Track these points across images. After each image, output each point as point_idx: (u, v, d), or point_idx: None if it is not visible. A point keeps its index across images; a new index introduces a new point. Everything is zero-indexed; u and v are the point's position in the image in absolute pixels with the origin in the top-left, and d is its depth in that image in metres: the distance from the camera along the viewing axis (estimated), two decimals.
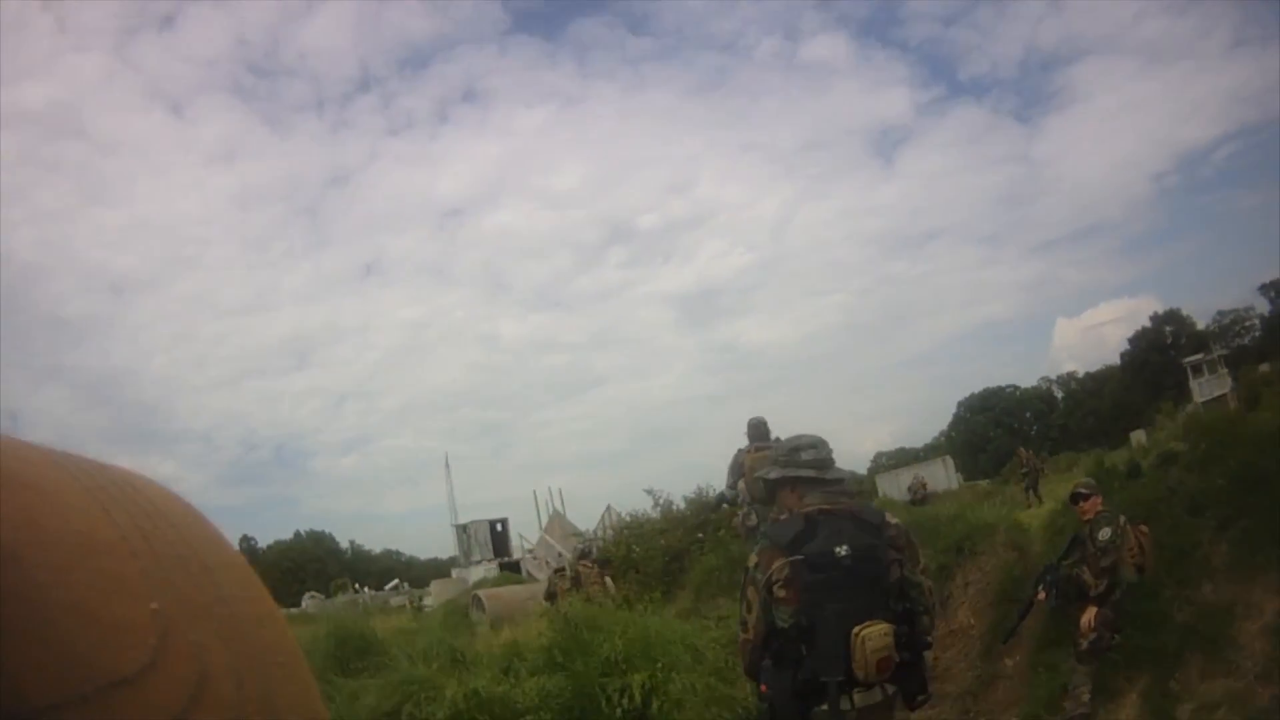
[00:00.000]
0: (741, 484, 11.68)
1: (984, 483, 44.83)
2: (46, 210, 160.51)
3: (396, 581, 68.35)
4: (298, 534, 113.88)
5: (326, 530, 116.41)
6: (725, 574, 15.48)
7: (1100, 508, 9.10)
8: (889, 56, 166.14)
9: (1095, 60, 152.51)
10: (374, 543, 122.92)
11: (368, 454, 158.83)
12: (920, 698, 5.09)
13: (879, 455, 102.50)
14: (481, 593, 27.90)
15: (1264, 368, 52.39)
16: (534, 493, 48.31)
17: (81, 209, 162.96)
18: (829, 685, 4.73)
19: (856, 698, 4.78)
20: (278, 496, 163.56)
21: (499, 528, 53.33)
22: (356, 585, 69.56)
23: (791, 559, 4.80)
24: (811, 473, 5.09)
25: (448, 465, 63.69)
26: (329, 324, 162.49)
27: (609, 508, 21.77)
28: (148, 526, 0.50)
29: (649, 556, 18.94)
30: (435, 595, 46.78)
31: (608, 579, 19.31)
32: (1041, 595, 9.10)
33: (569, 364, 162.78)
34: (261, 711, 0.49)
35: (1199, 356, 63.93)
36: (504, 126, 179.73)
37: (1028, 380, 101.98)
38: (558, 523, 41.98)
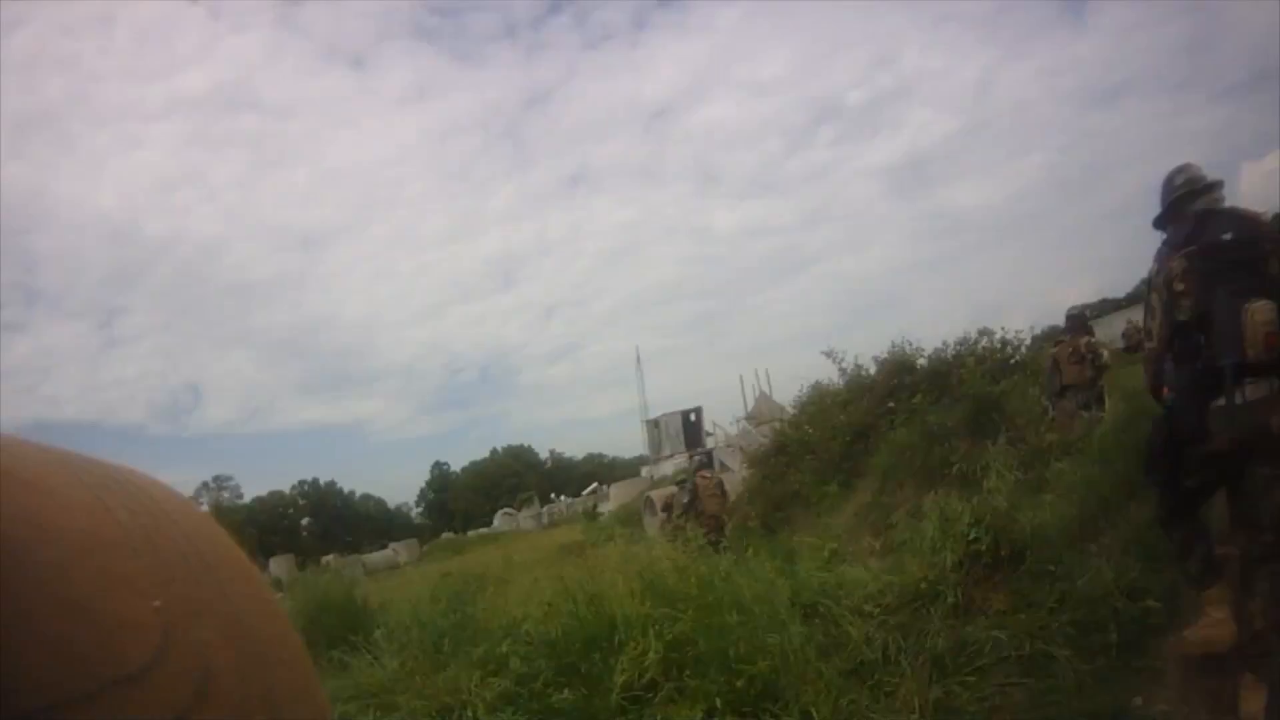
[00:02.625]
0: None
1: None
2: (221, 184, 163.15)
3: (595, 485, 66.13)
4: (494, 451, 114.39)
5: (527, 443, 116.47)
6: (920, 454, 12.52)
7: None
8: None
9: None
10: (578, 449, 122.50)
11: (578, 360, 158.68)
12: None
13: (1072, 308, 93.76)
14: (654, 493, 25.57)
15: None
16: (740, 377, 44.90)
17: (259, 176, 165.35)
18: (1225, 371, 5.01)
19: (1248, 389, 5.01)
20: (484, 416, 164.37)
21: (692, 418, 50.35)
22: (553, 495, 70.08)
23: (1185, 251, 5.26)
24: (1186, 189, 5.63)
25: (638, 360, 62.48)
26: (536, 240, 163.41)
27: (817, 382, 18.85)
28: (150, 524, 0.49)
29: (827, 437, 15.52)
30: (615, 498, 45.75)
31: (729, 491, 17.18)
32: None
33: (782, 247, 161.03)
34: (265, 708, 0.49)
35: None
36: (703, 24, 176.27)
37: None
38: (765, 405, 37.98)
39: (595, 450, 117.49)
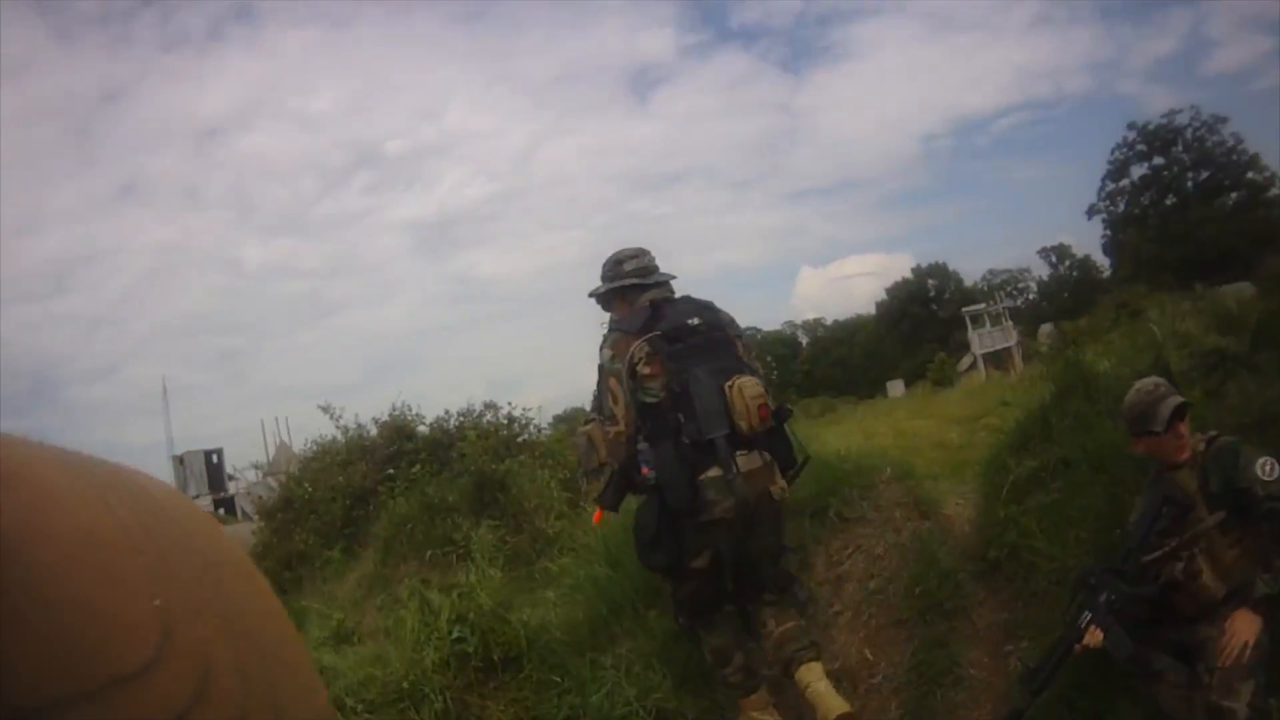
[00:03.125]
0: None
1: None
2: None
3: None
4: None
5: None
6: (422, 528, 11.77)
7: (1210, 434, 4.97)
8: None
9: (877, 21, 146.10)
10: None
11: (118, 382, 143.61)
12: (791, 471, 5.44)
13: None
14: None
15: (1046, 327, 52.07)
16: (261, 422, 43.15)
17: None
18: (717, 444, 5.00)
19: (741, 461, 5.05)
20: (35, 429, 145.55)
21: (214, 459, 48.44)
22: None
23: (648, 336, 5.20)
24: (636, 280, 5.59)
25: (165, 392, 59.19)
26: (88, 247, 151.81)
27: (320, 437, 17.94)
28: (150, 523, 0.50)
29: (328, 498, 14.43)
30: None
31: None
32: (1095, 635, 4.68)
33: (307, 291, 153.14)
34: (265, 708, 0.49)
35: (980, 306, 62.79)
36: (271, 47, 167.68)
37: (771, 325, 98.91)
38: (284, 455, 36.41)
39: None
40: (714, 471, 5.05)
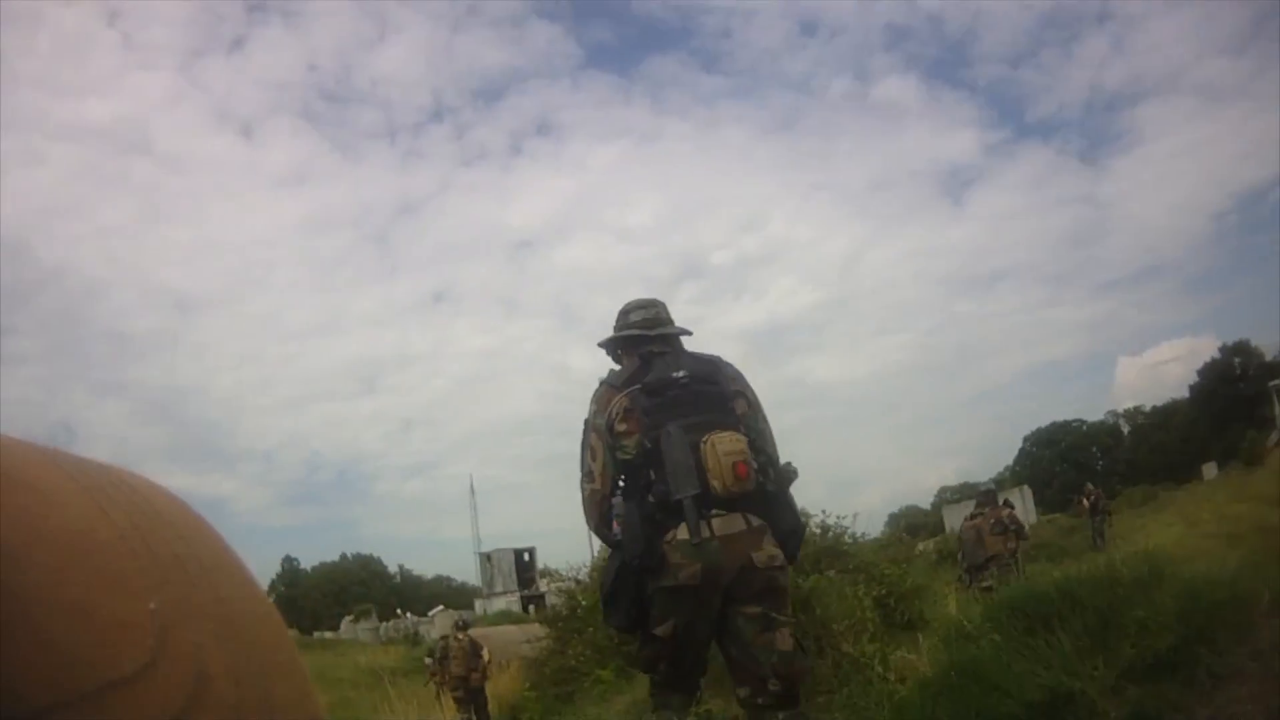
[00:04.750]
0: None
1: (1059, 516, 39.58)
2: (111, 226, 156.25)
3: (440, 608, 64.08)
4: (344, 556, 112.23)
5: (376, 554, 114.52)
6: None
7: None
8: (958, 98, 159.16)
9: (1156, 101, 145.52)
10: (428, 568, 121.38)
11: (432, 479, 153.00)
12: (793, 542, 4.90)
13: (943, 490, 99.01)
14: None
15: None
16: None
17: (147, 226, 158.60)
18: (685, 504, 4.54)
19: (716, 523, 4.61)
20: (337, 519, 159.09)
21: (526, 557, 49.36)
22: (399, 610, 68.61)
23: (629, 390, 4.87)
24: (639, 331, 5.18)
25: (472, 490, 60.98)
26: (397, 350, 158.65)
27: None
28: (146, 526, 0.49)
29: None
30: (439, 625, 44.10)
31: (484, 654, 16.76)
32: None
33: None
34: (260, 711, 0.49)
35: None
36: (578, 161, 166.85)
37: (1093, 416, 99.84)
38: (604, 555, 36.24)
39: (444, 573, 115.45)
40: (682, 533, 4.59)
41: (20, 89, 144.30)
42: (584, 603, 13.68)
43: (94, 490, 0.49)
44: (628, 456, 4.81)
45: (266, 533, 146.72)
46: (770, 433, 5.05)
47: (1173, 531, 25.03)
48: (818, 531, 13.08)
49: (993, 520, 12.66)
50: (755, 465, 4.71)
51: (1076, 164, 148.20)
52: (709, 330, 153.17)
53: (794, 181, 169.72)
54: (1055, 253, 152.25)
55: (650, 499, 4.68)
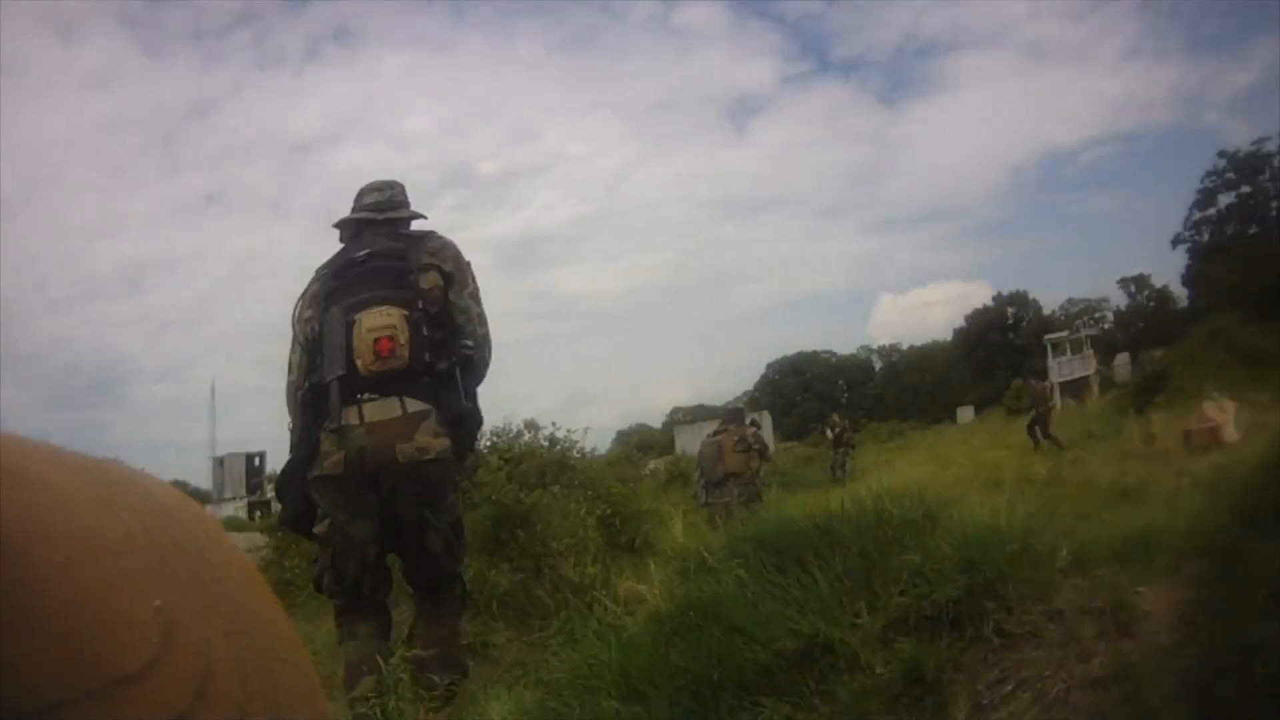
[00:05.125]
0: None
1: (798, 444, 40.27)
2: None
3: None
4: None
5: (119, 459, 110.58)
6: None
7: None
8: (763, 28, 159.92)
9: (975, 53, 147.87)
10: (168, 474, 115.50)
11: (181, 381, 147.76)
12: (462, 430, 4.65)
13: (675, 411, 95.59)
14: None
15: (1122, 356, 52.36)
16: None
17: None
18: (330, 387, 4.34)
19: (368, 409, 4.34)
20: (91, 423, 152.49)
21: (256, 462, 47.06)
22: None
23: (319, 275, 4.70)
24: (369, 214, 4.91)
25: (213, 394, 58.89)
26: (166, 251, 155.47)
27: None
28: (151, 524, 0.50)
29: None
30: None
31: None
32: None
33: None
34: (265, 708, 0.49)
35: (1063, 334, 61.09)
36: (369, 68, 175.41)
37: (845, 350, 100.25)
38: None
39: (182, 478, 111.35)
40: (333, 421, 4.37)
41: None
42: None
43: (101, 488, 0.48)
44: (306, 341, 4.62)
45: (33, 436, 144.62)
46: (477, 310, 4.76)
47: (922, 471, 24.93)
48: (545, 444, 12.55)
49: (736, 437, 12.45)
50: (409, 341, 4.38)
51: (874, 103, 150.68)
52: (461, 239, 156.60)
53: (576, 98, 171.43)
54: (834, 187, 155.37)
55: (309, 384, 4.48)
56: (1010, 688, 4.32)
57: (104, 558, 0.45)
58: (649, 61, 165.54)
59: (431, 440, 4.41)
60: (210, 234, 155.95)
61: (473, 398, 4.70)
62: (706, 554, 5.49)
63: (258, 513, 38.08)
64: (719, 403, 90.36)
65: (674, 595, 5.25)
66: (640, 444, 55.71)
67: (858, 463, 30.78)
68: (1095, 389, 45.87)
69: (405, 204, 5.05)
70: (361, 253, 4.67)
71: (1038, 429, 26.91)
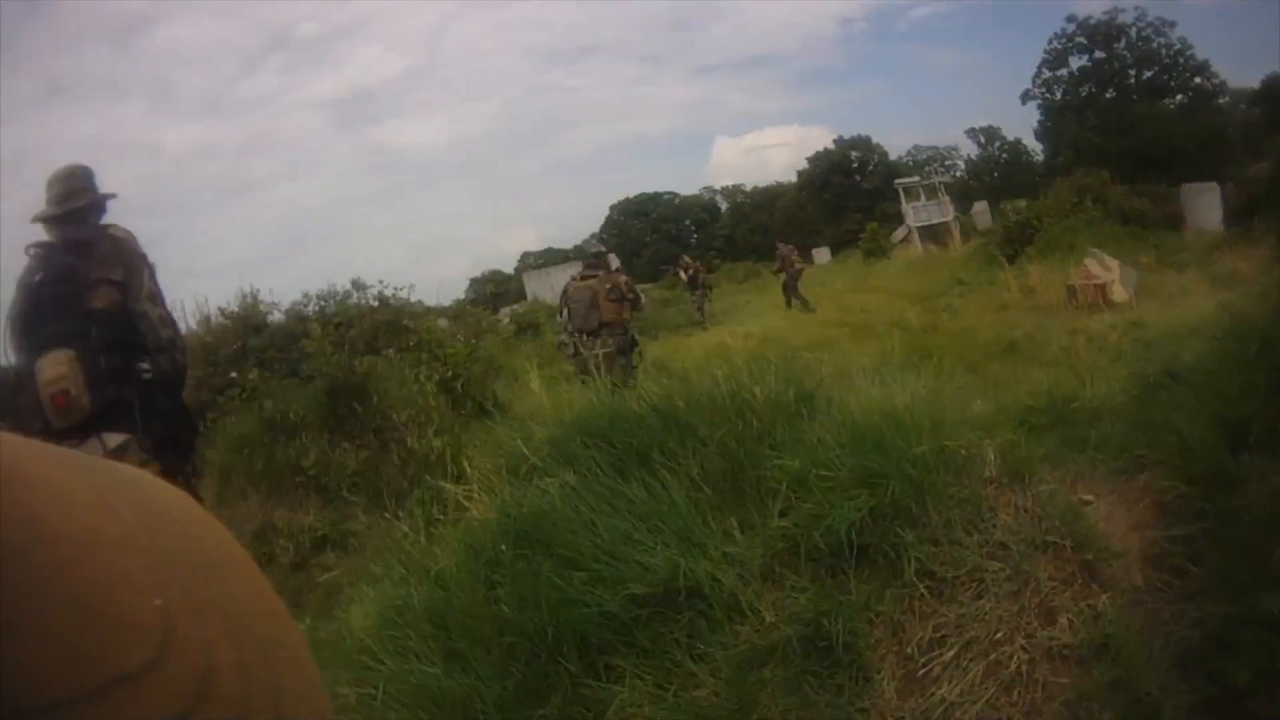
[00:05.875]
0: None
1: (653, 287, 39.92)
2: None
3: None
4: None
5: None
6: (264, 453, 9.10)
7: None
8: None
9: None
10: None
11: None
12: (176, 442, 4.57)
13: (526, 255, 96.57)
14: None
15: (980, 205, 51.62)
16: (180, 302, 40.68)
17: None
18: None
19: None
20: None
21: None
22: None
23: (18, 287, 4.48)
24: (52, 210, 4.67)
25: None
26: (11, 149, 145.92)
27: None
28: (152, 523, 0.50)
29: None
30: None
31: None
32: None
33: (226, 171, 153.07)
34: (267, 707, 0.49)
35: (915, 179, 60.33)
36: None
37: (688, 190, 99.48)
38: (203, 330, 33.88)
39: None
40: None
41: None
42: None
43: (101, 488, 0.48)
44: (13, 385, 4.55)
45: None
46: (158, 312, 4.61)
47: (785, 315, 25.35)
48: (375, 304, 11.92)
49: (609, 285, 11.70)
50: (85, 386, 4.28)
51: None
52: (291, 102, 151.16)
53: None
54: (652, 33, 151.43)
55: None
56: (951, 653, 3.48)
57: (104, 557, 0.45)
58: None
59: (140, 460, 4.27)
60: (55, 125, 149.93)
61: (176, 401, 4.66)
62: (529, 453, 4.95)
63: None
64: (567, 246, 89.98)
65: (501, 513, 4.50)
66: (494, 293, 54.82)
67: (715, 305, 30.28)
68: (957, 235, 45.97)
69: (85, 190, 4.79)
70: (37, 277, 4.49)
71: (788, 292, 27.08)
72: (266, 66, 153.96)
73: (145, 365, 4.52)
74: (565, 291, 11.97)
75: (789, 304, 27.00)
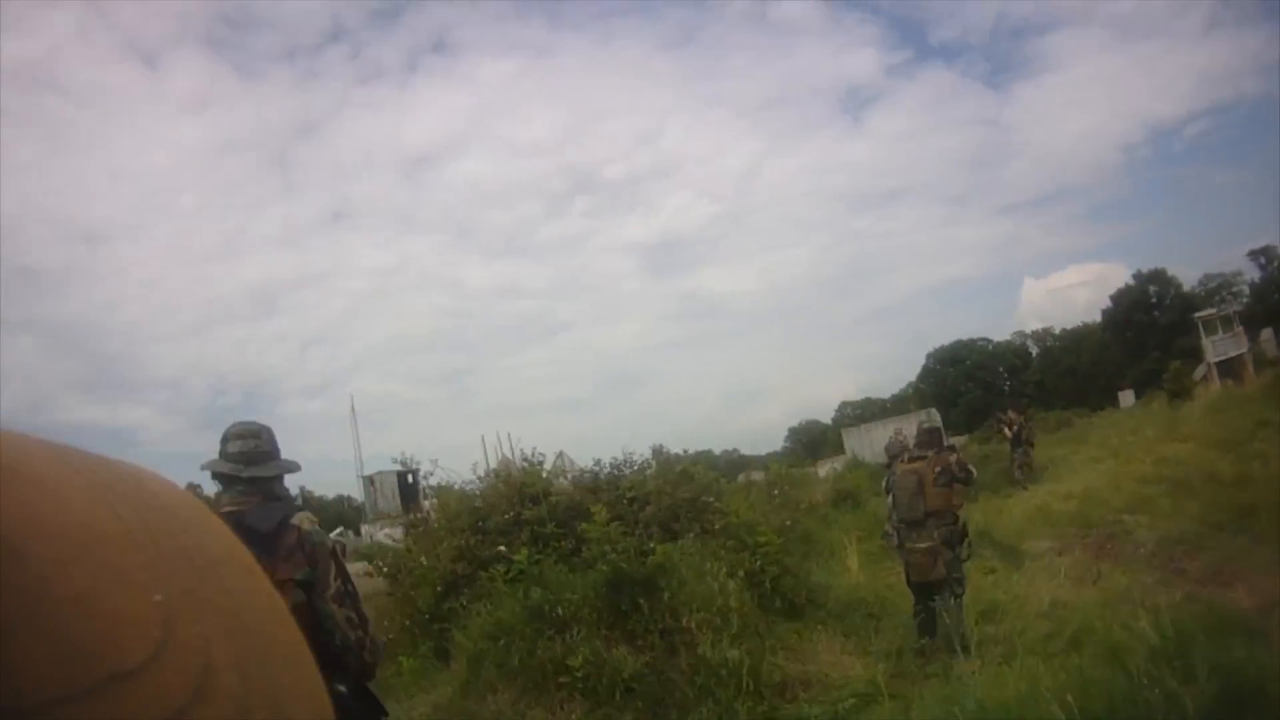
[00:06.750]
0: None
1: (970, 442, 37.40)
2: (19, 164, 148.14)
3: (341, 529, 61.96)
4: None
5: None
6: (524, 644, 7.69)
7: None
8: (859, 18, 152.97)
9: (1067, 32, 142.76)
10: (328, 489, 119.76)
11: (334, 398, 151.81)
12: None
13: (844, 405, 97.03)
14: None
15: (1266, 332, 49.47)
16: (482, 438, 41.43)
17: (52, 160, 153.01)
18: None
19: None
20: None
21: (410, 479, 45.93)
22: None
23: None
24: (229, 468, 4.36)
25: (353, 410, 59.66)
26: (298, 271, 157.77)
27: (561, 454, 14.53)
28: (151, 520, 0.49)
29: (429, 571, 9.90)
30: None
31: None
32: None
33: (533, 311, 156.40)
34: (265, 704, 0.49)
35: (1212, 311, 57.02)
36: (473, 78, 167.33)
37: (998, 336, 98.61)
38: (505, 469, 33.79)
39: (346, 493, 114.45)
40: None
41: None
42: (417, 565, 10.51)
43: (99, 485, 0.48)
44: None
45: (178, 460, 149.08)
46: (345, 613, 4.21)
47: (1102, 470, 23.68)
48: (678, 476, 10.30)
49: (938, 467, 10.09)
50: None
51: (980, 88, 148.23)
52: (601, 244, 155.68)
53: (689, 96, 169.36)
54: (955, 174, 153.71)
55: None
56: None
57: (103, 553, 0.44)
58: (752, 57, 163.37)
59: None
60: (341, 250, 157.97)
61: (368, 701, 4.37)
62: None
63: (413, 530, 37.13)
64: (885, 395, 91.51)
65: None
66: (810, 442, 53.70)
67: (1035, 458, 28.12)
68: (1250, 368, 42.49)
69: (271, 455, 4.52)
70: None
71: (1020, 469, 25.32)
72: (572, 208, 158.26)
73: (341, 689, 4.19)
74: (891, 472, 10.54)
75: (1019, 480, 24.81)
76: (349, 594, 4.31)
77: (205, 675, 0.45)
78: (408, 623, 9.88)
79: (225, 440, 4.45)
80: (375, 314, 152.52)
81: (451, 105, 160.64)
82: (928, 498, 9.63)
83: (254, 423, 4.57)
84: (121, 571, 0.45)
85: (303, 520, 4.34)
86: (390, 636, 9.81)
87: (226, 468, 4.38)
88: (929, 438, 10.65)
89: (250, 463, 4.38)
